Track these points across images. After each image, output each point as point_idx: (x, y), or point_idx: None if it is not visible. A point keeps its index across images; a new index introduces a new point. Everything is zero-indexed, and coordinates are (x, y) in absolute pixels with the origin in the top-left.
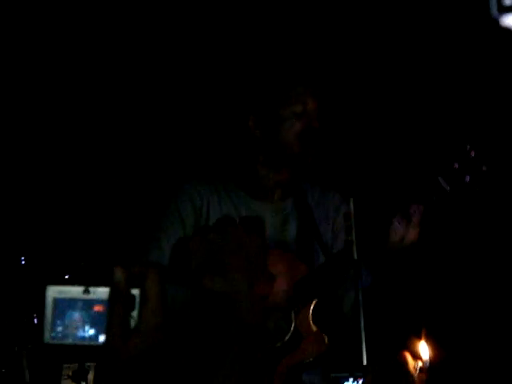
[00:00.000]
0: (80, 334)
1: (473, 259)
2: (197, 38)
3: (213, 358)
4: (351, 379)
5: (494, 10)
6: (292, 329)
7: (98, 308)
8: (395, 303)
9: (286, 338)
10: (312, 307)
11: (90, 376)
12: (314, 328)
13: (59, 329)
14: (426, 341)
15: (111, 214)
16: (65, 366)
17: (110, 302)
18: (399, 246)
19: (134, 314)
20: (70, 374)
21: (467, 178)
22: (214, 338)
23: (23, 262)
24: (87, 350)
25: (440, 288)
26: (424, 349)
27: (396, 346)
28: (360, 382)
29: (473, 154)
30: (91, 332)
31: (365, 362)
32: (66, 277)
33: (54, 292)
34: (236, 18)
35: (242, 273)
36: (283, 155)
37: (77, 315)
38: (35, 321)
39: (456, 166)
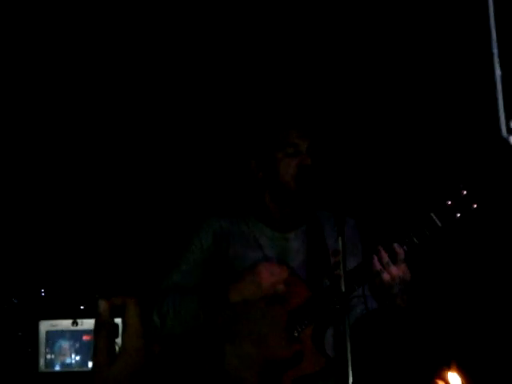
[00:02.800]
0: (70, 361)
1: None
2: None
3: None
4: None
5: (504, 131)
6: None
7: (86, 337)
8: (424, 335)
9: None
10: (312, 328)
11: None
12: (313, 347)
13: (51, 357)
14: (457, 371)
15: (128, 249)
16: None
17: (95, 331)
18: (388, 283)
19: (118, 340)
20: None
21: (458, 215)
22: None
23: (43, 294)
24: (77, 375)
25: (469, 320)
26: (454, 379)
27: (426, 378)
28: None
29: (464, 192)
30: (80, 359)
31: None
32: (82, 307)
33: (45, 326)
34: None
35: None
36: (283, 193)
37: (67, 345)
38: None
39: (449, 203)
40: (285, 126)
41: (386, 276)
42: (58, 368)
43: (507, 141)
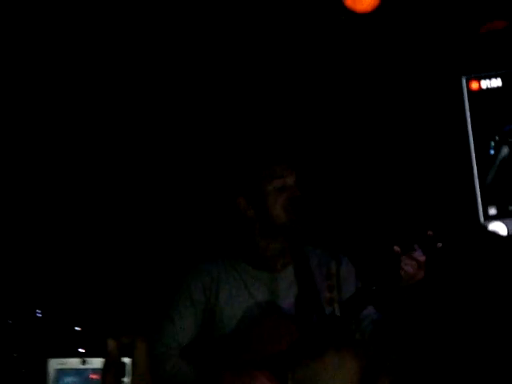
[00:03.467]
0: None
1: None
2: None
3: None
4: None
5: (481, 218)
6: None
7: (93, 376)
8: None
9: None
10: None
11: None
12: None
13: None
14: None
15: (123, 279)
16: None
17: (104, 370)
18: (406, 284)
19: (125, 379)
20: None
21: (439, 245)
22: None
23: (39, 315)
24: None
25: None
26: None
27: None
28: None
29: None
30: None
31: None
32: (78, 329)
33: (54, 364)
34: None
35: None
36: (275, 227)
37: (74, 383)
38: None
39: (430, 233)
40: (270, 160)
41: (415, 278)
42: None
43: (485, 227)
